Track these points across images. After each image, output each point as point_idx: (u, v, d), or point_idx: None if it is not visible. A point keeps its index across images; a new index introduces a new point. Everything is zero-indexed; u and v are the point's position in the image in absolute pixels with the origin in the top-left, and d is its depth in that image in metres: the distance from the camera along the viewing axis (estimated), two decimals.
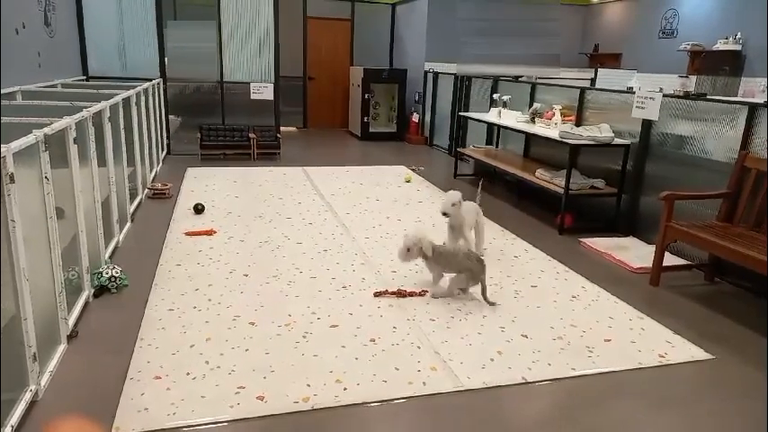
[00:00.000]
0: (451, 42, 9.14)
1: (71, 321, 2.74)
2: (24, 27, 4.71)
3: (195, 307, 3.09)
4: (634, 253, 4.20)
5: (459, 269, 3.23)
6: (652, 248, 3.81)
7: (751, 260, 3.06)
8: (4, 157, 1.95)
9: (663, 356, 2.79)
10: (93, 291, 3.15)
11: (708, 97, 4.19)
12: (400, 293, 3.28)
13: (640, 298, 3.49)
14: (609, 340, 2.92)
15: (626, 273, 3.93)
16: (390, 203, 5.44)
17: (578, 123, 5.32)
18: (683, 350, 2.86)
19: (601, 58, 9.47)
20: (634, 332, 3.03)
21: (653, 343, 2.91)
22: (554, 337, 2.92)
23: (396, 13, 10.46)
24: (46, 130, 2.41)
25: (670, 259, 3.88)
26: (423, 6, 9.19)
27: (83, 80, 6.77)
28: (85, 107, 3.27)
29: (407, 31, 10.05)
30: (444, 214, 3.68)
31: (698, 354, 2.83)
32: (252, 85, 7.64)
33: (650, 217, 4.49)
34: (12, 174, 1.98)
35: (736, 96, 6.80)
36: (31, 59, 4.94)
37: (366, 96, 9.42)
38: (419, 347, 2.75)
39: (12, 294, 2.06)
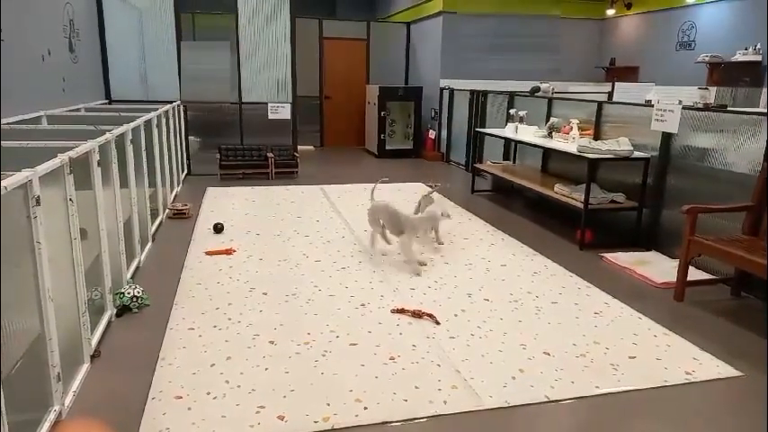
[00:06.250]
0: (466, 59, 9.19)
1: (94, 341, 2.77)
2: (50, 54, 4.85)
3: (215, 326, 3.10)
4: (657, 268, 4.13)
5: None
6: (675, 263, 3.74)
7: None
8: (31, 180, 2.00)
9: (689, 374, 2.72)
10: (115, 310, 3.18)
11: (728, 109, 4.14)
12: (416, 314, 3.26)
13: (665, 314, 3.42)
14: (633, 357, 2.86)
15: (649, 288, 3.86)
16: None
17: (596, 137, 5.28)
18: (711, 367, 2.79)
19: (618, 72, 9.41)
20: (659, 349, 2.96)
21: (679, 360, 2.85)
22: (577, 355, 2.87)
23: (410, 31, 10.56)
24: (71, 153, 2.47)
25: (694, 274, 3.80)
26: (437, 24, 9.27)
27: (105, 104, 6.93)
28: (108, 130, 3.34)
29: (422, 48, 10.13)
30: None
31: (725, 371, 2.76)
32: (269, 105, 7.75)
33: (672, 231, 4.41)
34: (38, 196, 2.02)
35: (758, 107, 6.70)
36: (55, 85, 5.08)
37: (382, 114, 9.48)
38: (439, 366, 2.73)
39: (36, 314, 2.10)
